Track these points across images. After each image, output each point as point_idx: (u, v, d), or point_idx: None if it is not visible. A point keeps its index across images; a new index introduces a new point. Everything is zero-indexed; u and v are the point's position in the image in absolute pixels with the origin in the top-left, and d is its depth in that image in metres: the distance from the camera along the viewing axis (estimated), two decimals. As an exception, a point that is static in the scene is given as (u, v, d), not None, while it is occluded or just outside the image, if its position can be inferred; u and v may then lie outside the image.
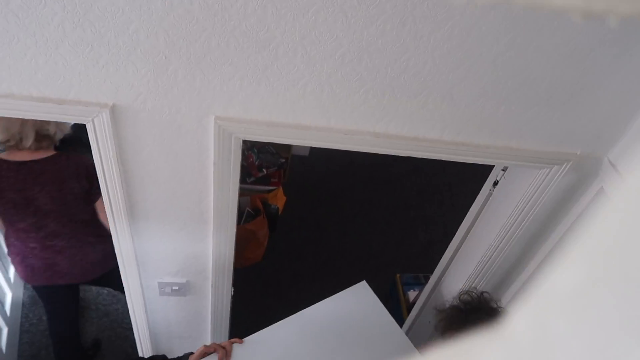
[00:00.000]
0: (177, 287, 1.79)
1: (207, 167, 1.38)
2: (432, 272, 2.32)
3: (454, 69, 1.18)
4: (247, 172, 3.48)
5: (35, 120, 1.76)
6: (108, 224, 1.53)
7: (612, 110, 1.29)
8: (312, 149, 3.92)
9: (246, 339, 1.59)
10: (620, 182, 1.28)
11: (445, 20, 1.08)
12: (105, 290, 3.00)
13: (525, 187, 1.51)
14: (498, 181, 1.76)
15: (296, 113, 1.25)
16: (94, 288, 2.98)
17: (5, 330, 2.58)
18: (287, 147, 3.68)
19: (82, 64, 1.13)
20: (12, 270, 2.86)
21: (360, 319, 1.71)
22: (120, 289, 1.85)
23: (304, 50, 1.12)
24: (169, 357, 1.58)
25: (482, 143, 1.34)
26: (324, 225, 3.68)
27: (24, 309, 2.87)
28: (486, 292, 1.58)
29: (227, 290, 1.83)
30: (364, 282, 1.82)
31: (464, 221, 2.01)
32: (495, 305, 1.53)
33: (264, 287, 3.22)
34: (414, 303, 2.73)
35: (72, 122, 1.47)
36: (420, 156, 1.37)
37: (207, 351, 1.47)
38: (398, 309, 2.98)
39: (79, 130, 1.71)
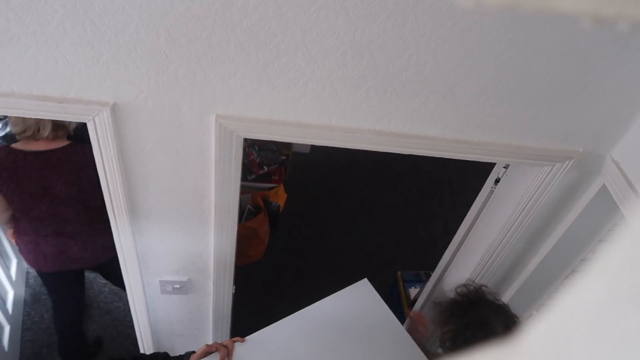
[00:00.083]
0: (178, 286, 1.79)
1: (208, 165, 1.38)
2: (433, 270, 2.32)
3: (456, 67, 1.17)
4: (248, 170, 3.48)
5: None
6: None
7: (615, 108, 1.28)
8: (313, 146, 3.91)
9: (248, 337, 1.59)
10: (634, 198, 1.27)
11: (447, 19, 1.08)
12: (107, 289, 3.01)
13: (527, 184, 1.51)
14: (500, 179, 1.76)
15: (297, 111, 1.25)
16: (95, 286, 2.98)
17: (7, 328, 2.58)
18: (288, 145, 3.67)
19: (83, 63, 1.12)
20: (13, 268, 2.86)
21: (362, 316, 1.71)
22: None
23: (305, 48, 1.12)
24: (171, 355, 1.58)
25: (483, 141, 1.34)
26: (324, 222, 3.68)
27: (26, 307, 2.87)
28: (484, 285, 1.58)
29: (229, 288, 1.83)
30: (365, 280, 1.82)
31: (465, 219, 2.01)
32: (493, 299, 1.53)
33: (265, 284, 3.22)
34: (415, 300, 2.73)
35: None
36: (421, 154, 1.36)
37: (209, 350, 1.47)
38: (399, 306, 2.98)
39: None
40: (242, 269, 2.93)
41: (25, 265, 3.02)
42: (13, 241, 2.23)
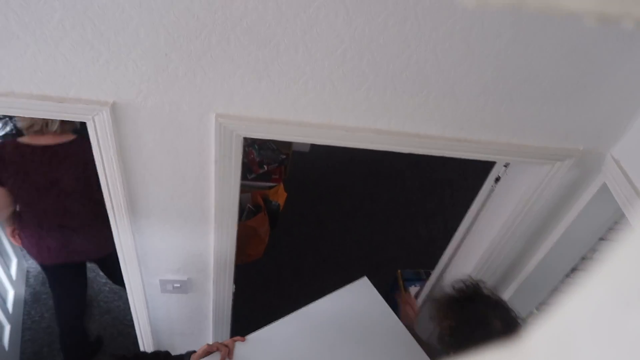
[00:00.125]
0: (178, 285, 1.79)
1: (208, 164, 1.38)
2: (433, 268, 2.32)
3: (456, 66, 1.17)
4: (248, 169, 3.48)
5: None
6: None
7: (615, 106, 1.28)
8: (312, 145, 3.91)
9: (248, 336, 1.59)
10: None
11: (448, 17, 1.07)
12: (107, 288, 3.01)
13: (528, 183, 1.51)
14: (500, 177, 1.75)
15: (297, 110, 1.25)
16: (95, 285, 2.98)
17: (7, 328, 2.58)
18: (288, 144, 3.67)
19: (83, 62, 1.12)
20: (13, 267, 2.86)
21: (362, 314, 1.71)
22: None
23: (305, 47, 1.12)
24: (172, 354, 1.58)
25: (484, 139, 1.34)
26: (324, 221, 3.68)
27: (26, 306, 2.87)
28: (481, 280, 1.58)
29: (229, 287, 1.83)
30: (364, 278, 1.82)
31: (465, 217, 2.01)
32: (491, 294, 1.53)
33: (265, 283, 3.22)
34: (415, 299, 2.73)
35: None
36: (421, 153, 1.36)
37: (209, 350, 1.47)
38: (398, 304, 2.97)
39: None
40: (242, 268, 2.92)
41: (25, 264, 3.02)
42: (12, 240, 2.24)
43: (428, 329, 2.00)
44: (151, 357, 1.55)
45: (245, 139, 1.33)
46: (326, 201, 3.83)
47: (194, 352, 1.49)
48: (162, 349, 2.12)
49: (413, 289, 2.99)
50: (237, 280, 1.91)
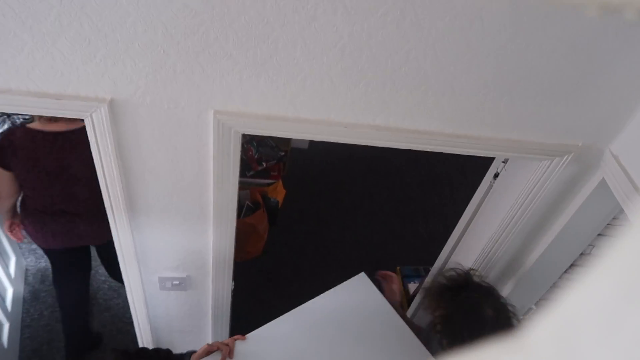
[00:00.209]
0: (177, 282, 1.79)
1: (206, 161, 1.37)
2: (432, 265, 2.32)
3: (455, 62, 1.17)
4: (247, 166, 3.47)
5: None
6: None
7: (614, 102, 1.28)
8: (311, 141, 3.91)
9: (248, 335, 1.59)
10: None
11: (447, 12, 1.07)
12: (106, 285, 3.00)
13: (526, 179, 1.51)
14: (499, 173, 1.75)
15: (296, 106, 1.25)
16: (94, 283, 2.98)
17: (6, 326, 2.58)
18: (287, 140, 3.67)
19: (80, 59, 1.12)
20: (12, 265, 2.86)
21: (361, 310, 1.72)
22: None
23: (303, 43, 1.11)
24: (173, 353, 1.58)
25: (483, 135, 1.34)
26: (323, 218, 3.68)
27: (25, 304, 2.87)
28: (472, 269, 1.59)
29: (228, 285, 1.83)
30: (362, 274, 1.83)
31: (464, 213, 2.01)
32: (481, 282, 1.54)
33: (265, 280, 3.22)
34: (414, 295, 2.74)
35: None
36: (421, 149, 1.36)
37: (210, 350, 1.47)
38: (398, 301, 2.98)
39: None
40: (241, 265, 2.93)
41: (24, 262, 3.02)
42: (10, 235, 2.24)
43: (425, 325, 2.01)
44: (153, 353, 1.55)
45: (244, 136, 1.33)
46: (325, 198, 3.83)
47: (195, 352, 1.48)
48: (162, 346, 2.13)
49: (412, 286, 3.00)
50: (236, 278, 1.91)
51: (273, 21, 1.07)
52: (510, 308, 1.48)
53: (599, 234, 1.66)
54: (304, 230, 3.57)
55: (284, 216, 3.51)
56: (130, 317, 2.07)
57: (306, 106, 1.25)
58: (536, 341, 0.15)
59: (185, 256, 1.70)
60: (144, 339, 2.11)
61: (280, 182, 3.54)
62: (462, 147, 1.35)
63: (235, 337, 1.56)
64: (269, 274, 3.27)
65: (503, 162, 1.72)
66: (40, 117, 1.90)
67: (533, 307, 2.04)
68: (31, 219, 2.13)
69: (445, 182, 4.10)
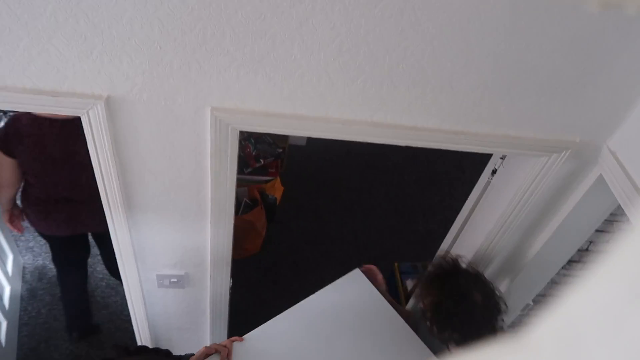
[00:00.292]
0: (175, 280, 1.79)
1: (204, 158, 1.37)
2: (430, 261, 2.32)
3: (453, 58, 1.16)
4: (245, 163, 3.47)
5: None
6: None
7: (612, 98, 1.28)
8: (309, 138, 3.90)
9: (246, 336, 1.59)
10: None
11: (445, 9, 1.07)
12: (104, 283, 3.00)
13: (524, 175, 1.51)
14: (496, 170, 1.75)
15: (293, 103, 1.24)
16: (92, 281, 2.98)
17: (4, 324, 2.57)
18: (284, 137, 3.66)
19: (76, 55, 1.11)
20: (9, 263, 2.85)
21: (356, 305, 1.73)
22: None
23: (300, 39, 1.11)
24: (173, 354, 1.57)
25: (481, 132, 1.34)
26: (321, 215, 3.68)
27: (23, 302, 2.87)
28: (459, 255, 1.60)
29: (226, 282, 1.83)
30: (357, 270, 1.84)
31: (462, 210, 2.01)
32: (469, 268, 1.55)
33: (263, 278, 3.22)
34: (412, 292, 2.74)
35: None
36: (418, 145, 1.36)
37: (208, 352, 1.47)
38: (396, 297, 2.98)
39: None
40: (239, 262, 2.93)
41: (21, 260, 3.02)
42: (10, 227, 2.23)
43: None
44: (153, 352, 1.55)
45: (241, 133, 1.32)
46: (323, 195, 3.83)
47: (192, 355, 1.48)
48: (160, 343, 2.13)
49: (410, 282, 3.00)
50: (234, 275, 1.91)
51: (270, 17, 1.07)
52: (497, 293, 1.50)
53: (596, 230, 1.67)
54: (302, 227, 3.57)
55: (282, 213, 3.51)
56: (128, 315, 2.07)
57: (304, 103, 1.24)
58: (538, 341, 0.15)
59: (183, 253, 1.70)
60: (142, 337, 2.11)
61: (278, 179, 3.54)
62: (460, 143, 1.35)
63: (233, 338, 1.56)
64: (267, 271, 3.27)
65: (501, 158, 1.72)
66: None
67: (530, 303, 2.05)
68: (34, 208, 2.12)
69: (444, 178, 4.10)
